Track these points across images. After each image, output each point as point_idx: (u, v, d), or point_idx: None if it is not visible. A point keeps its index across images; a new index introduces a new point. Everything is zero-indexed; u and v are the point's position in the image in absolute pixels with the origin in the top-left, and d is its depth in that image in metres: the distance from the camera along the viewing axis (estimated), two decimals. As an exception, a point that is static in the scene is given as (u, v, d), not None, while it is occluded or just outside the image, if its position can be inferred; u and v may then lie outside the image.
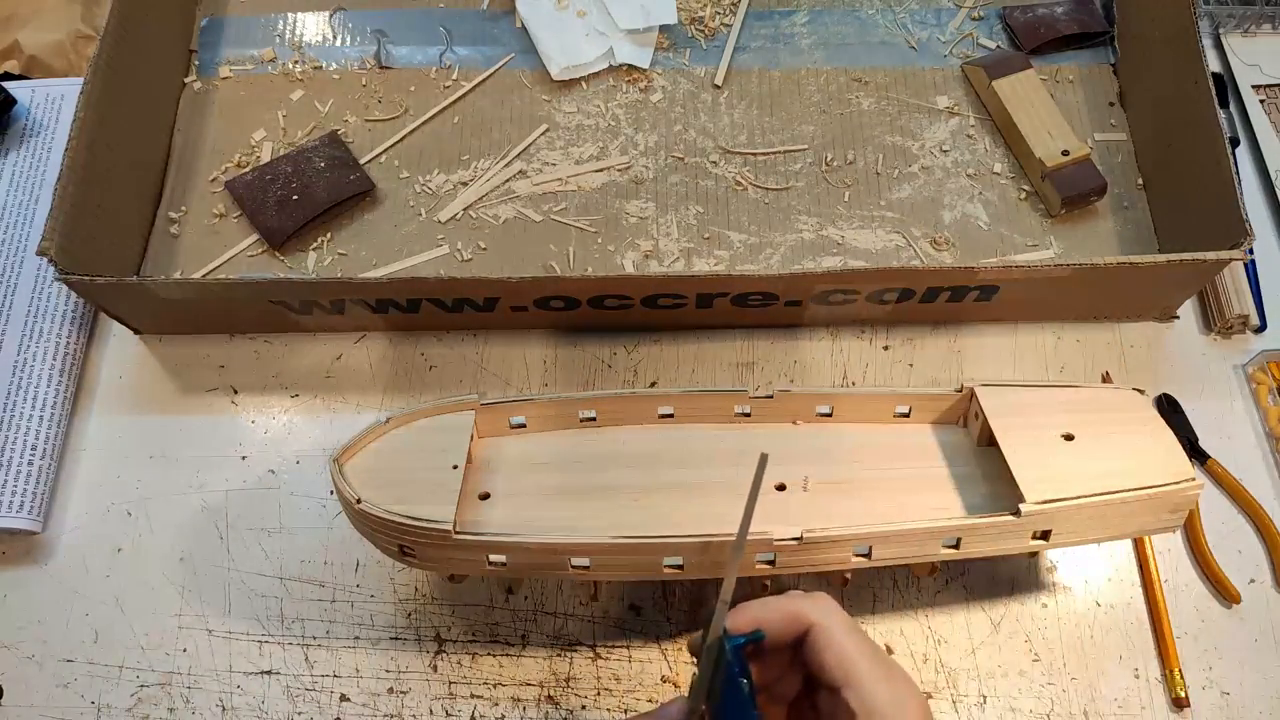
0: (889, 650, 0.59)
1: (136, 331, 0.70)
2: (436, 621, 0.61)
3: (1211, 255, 0.60)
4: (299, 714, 0.58)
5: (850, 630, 0.38)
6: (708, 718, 0.39)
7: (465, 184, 0.73)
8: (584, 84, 0.77)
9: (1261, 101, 0.77)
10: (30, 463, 0.64)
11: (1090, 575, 0.61)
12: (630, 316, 0.67)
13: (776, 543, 0.50)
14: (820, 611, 0.39)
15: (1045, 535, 0.52)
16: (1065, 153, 0.69)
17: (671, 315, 0.67)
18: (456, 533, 0.49)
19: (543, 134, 0.75)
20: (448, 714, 0.58)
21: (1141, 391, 0.58)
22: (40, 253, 0.60)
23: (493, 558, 0.51)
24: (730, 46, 0.78)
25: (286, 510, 0.64)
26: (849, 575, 0.56)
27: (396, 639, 0.60)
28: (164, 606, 0.61)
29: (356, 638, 0.60)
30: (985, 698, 0.58)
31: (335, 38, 0.79)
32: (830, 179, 0.73)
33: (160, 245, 0.71)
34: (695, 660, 0.40)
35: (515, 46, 0.79)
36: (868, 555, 0.51)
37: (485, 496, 0.54)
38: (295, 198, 0.70)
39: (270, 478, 0.65)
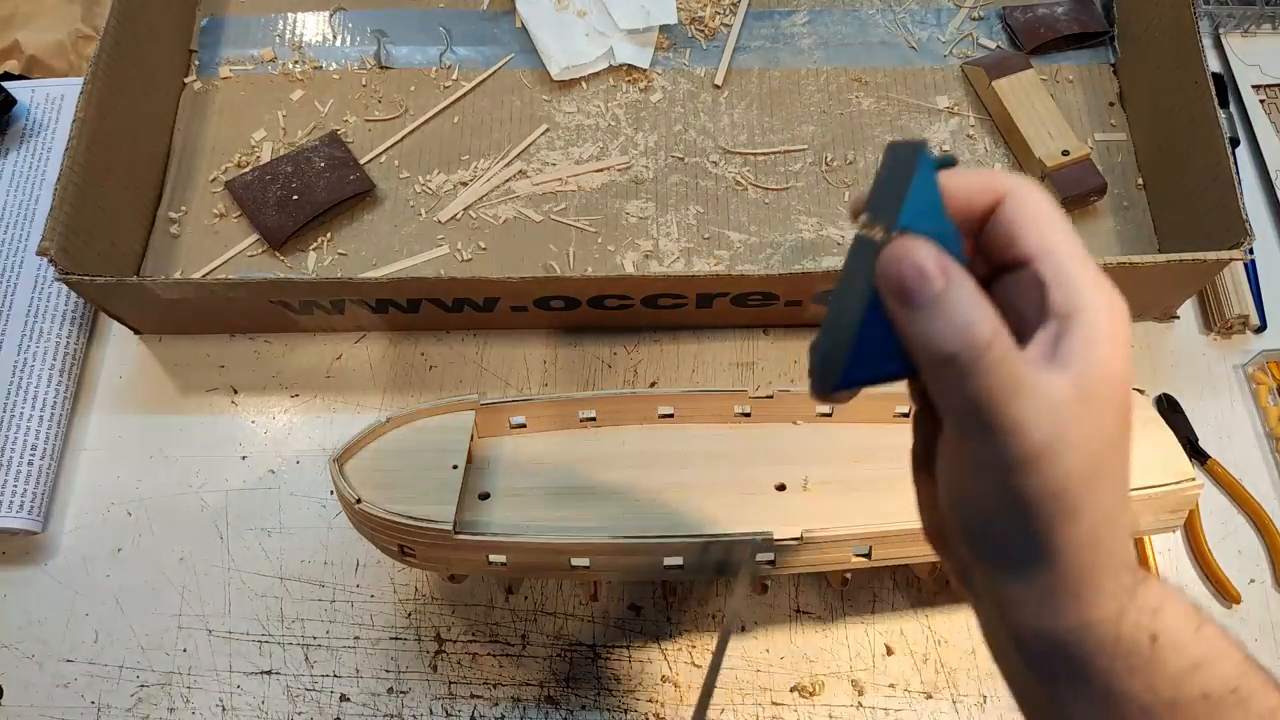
0: (888, 651, 0.59)
1: (136, 331, 0.70)
2: (436, 621, 0.61)
3: (1211, 255, 0.60)
4: (299, 714, 0.58)
5: (1054, 205, 0.32)
6: (887, 228, 0.31)
7: (465, 184, 0.73)
8: (584, 84, 0.77)
9: (1261, 101, 0.77)
10: (30, 463, 0.64)
11: (1090, 575, 0.61)
12: (630, 316, 0.67)
13: (777, 543, 0.50)
14: (1018, 180, 0.32)
15: (1045, 535, 0.52)
16: (1065, 153, 0.69)
17: (671, 315, 0.67)
18: (456, 533, 0.49)
19: (543, 134, 0.75)
20: (448, 714, 0.58)
21: (1141, 391, 0.58)
22: (40, 253, 0.60)
23: (493, 558, 0.51)
24: (730, 46, 0.78)
25: (286, 510, 0.64)
26: (849, 575, 0.56)
27: (396, 639, 0.60)
28: (164, 606, 0.61)
29: (356, 638, 0.60)
30: (985, 698, 0.58)
31: (335, 38, 0.79)
32: (830, 179, 0.73)
33: (160, 245, 0.71)
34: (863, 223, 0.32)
35: (515, 46, 0.79)
36: (868, 555, 0.51)
37: (485, 496, 0.54)
38: (295, 198, 0.70)
39: (270, 478, 0.65)
